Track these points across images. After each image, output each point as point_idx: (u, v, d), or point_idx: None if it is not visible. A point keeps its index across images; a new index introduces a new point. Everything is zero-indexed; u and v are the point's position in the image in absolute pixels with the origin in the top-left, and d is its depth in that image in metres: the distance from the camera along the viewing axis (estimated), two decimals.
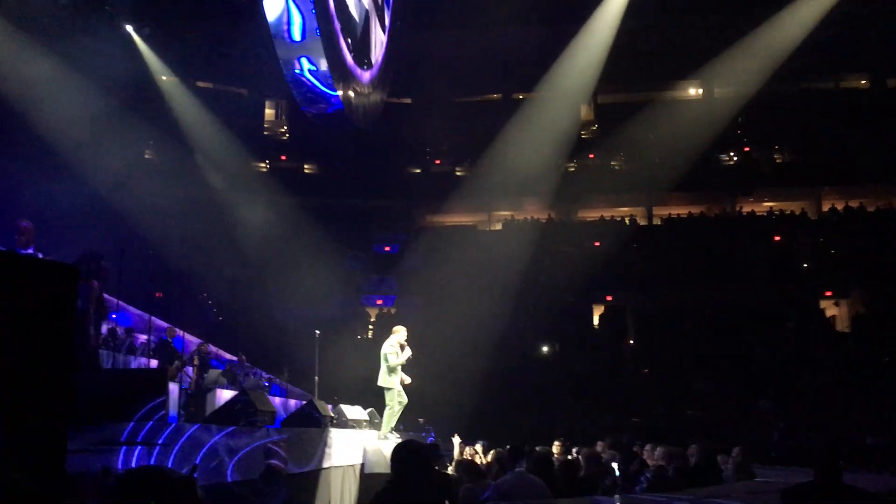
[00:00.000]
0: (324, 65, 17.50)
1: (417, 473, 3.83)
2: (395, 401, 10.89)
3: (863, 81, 32.72)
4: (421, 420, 18.07)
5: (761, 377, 22.57)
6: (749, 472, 9.12)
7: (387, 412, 11.00)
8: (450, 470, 9.49)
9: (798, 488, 4.92)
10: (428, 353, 23.90)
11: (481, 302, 25.50)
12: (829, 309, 26.94)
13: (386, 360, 10.76)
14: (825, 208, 30.77)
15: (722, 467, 8.95)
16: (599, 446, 10.32)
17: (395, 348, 10.80)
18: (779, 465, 12.95)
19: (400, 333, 10.98)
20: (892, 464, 15.06)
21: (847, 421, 20.31)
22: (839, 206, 30.15)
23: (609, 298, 27.90)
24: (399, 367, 10.87)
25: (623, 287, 27.34)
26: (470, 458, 9.82)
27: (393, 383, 10.79)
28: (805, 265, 28.19)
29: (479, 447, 11.87)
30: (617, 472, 8.70)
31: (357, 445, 11.16)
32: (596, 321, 27.44)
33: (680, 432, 15.03)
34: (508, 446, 7.83)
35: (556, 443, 11.20)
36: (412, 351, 11.04)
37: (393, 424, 11.12)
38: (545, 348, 24.92)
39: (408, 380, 11.19)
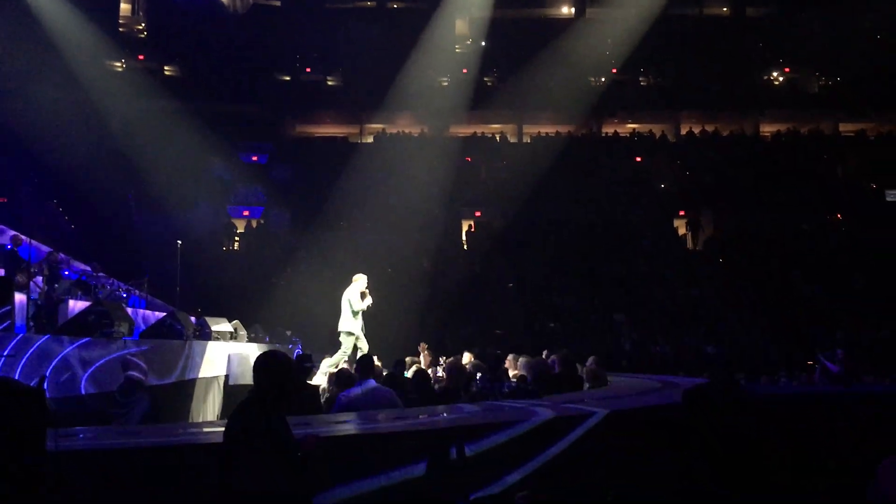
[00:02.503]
0: None
1: (279, 384, 3.79)
2: (352, 345, 10.93)
3: (724, 9, 33.94)
4: (288, 332, 17.99)
5: (617, 292, 23.81)
6: (602, 378, 9.67)
7: (339, 354, 10.91)
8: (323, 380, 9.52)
9: (697, 388, 5.43)
10: (297, 265, 23.71)
11: (351, 215, 25.34)
12: (682, 228, 28.52)
13: (350, 305, 10.86)
14: (683, 132, 32.21)
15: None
16: (466, 357, 10.61)
17: (357, 295, 10.94)
18: (628, 373, 13.84)
19: (361, 282, 11.08)
20: (726, 370, 16.44)
21: (690, 333, 21.91)
22: (696, 130, 31.65)
23: (478, 214, 28.35)
24: (360, 314, 10.98)
25: (491, 203, 27.82)
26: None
27: (355, 328, 10.92)
28: (662, 186, 29.60)
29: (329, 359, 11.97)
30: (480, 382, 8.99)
31: (221, 357, 10.99)
32: (464, 236, 27.88)
33: (540, 343, 15.66)
34: (357, 358, 7.91)
35: (421, 347, 11.60)
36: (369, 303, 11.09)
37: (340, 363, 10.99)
38: (426, 263, 25.03)
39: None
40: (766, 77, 32.91)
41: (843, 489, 4.99)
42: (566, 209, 26.59)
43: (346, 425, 5.41)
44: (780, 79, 33.00)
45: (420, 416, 6.13)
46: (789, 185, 27.52)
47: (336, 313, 11.10)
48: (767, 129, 32.48)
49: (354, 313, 10.92)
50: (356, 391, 6.60)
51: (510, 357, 10.05)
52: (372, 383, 6.70)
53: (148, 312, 12.80)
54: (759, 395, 5.71)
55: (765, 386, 12.10)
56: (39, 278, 10.93)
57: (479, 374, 8.96)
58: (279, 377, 3.82)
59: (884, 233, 24.72)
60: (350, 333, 10.91)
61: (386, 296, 21.92)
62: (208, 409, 9.99)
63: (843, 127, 32.19)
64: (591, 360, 10.01)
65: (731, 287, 23.96)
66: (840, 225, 27.60)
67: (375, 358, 10.40)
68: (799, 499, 4.45)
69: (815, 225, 26.99)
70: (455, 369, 8.48)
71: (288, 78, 31.85)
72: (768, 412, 5.83)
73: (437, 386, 8.73)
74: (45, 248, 12.85)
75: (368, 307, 11.05)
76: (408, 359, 10.15)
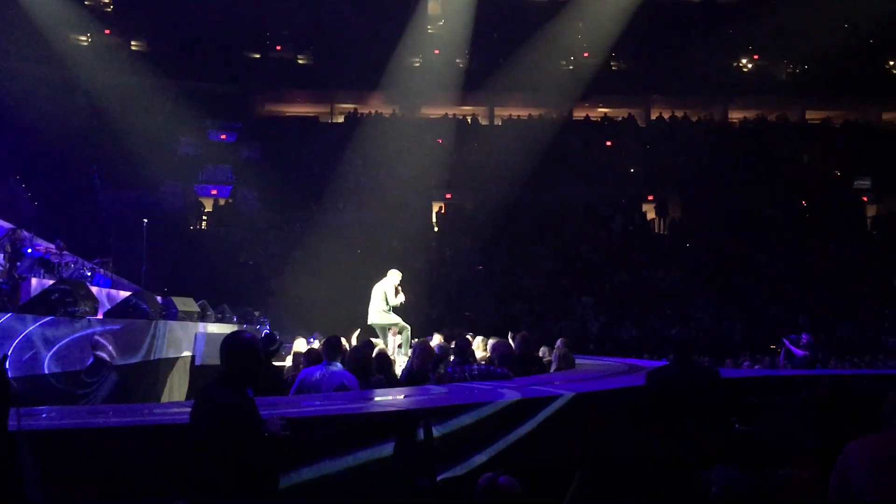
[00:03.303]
0: None
1: (247, 364, 3.77)
2: (401, 324, 11.15)
3: None
4: (256, 313, 17.87)
5: (585, 275, 23.98)
6: (570, 361, 9.77)
7: (403, 336, 11.11)
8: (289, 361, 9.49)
9: (660, 369, 5.64)
10: (266, 245, 23.55)
11: (321, 195, 25.18)
12: (650, 212, 28.76)
13: (385, 298, 11.00)
14: (653, 117, 32.41)
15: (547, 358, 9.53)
16: (435, 339, 10.63)
17: (392, 290, 11.10)
18: (595, 356, 13.99)
19: (395, 277, 11.22)
20: (687, 351, 16.59)
21: (657, 316, 22.17)
22: (666, 115, 31.87)
23: (448, 196, 28.33)
24: (392, 308, 11.12)
25: (462, 185, 27.80)
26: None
27: (390, 319, 11.08)
28: (631, 170, 29.81)
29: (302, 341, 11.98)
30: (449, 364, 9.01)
31: (188, 338, 10.91)
32: (434, 218, 27.85)
33: (509, 326, 15.74)
34: (324, 339, 7.86)
35: (392, 331, 11.58)
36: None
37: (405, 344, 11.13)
38: (395, 244, 24.96)
39: None
40: (735, 64, 33.20)
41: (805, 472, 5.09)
42: (536, 192, 26.67)
43: (313, 406, 5.41)
44: (749, 66, 33.31)
45: (388, 397, 6.14)
46: (756, 171, 27.88)
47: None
48: (736, 116, 32.83)
49: (388, 308, 11.04)
50: (316, 374, 6.52)
51: (479, 339, 10.09)
52: (337, 367, 6.58)
53: (113, 291, 12.62)
54: (722, 375, 5.86)
55: (727, 369, 12.31)
56: (1, 256, 10.73)
57: (451, 357, 8.99)
58: (247, 357, 3.80)
59: (848, 219, 25.16)
60: (388, 326, 11.07)
61: (355, 277, 21.97)
62: (175, 389, 9.92)
63: (809, 115, 32.63)
64: (560, 341, 10.08)
65: (698, 271, 24.27)
66: (805, 211, 28.03)
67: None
68: (758, 479, 4.54)
69: (781, 211, 27.39)
70: (423, 351, 8.49)
71: (258, 56, 31.44)
72: (730, 393, 5.99)
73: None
74: (7, 225, 12.58)
75: (401, 303, 11.17)
76: (375, 339, 10.15)
